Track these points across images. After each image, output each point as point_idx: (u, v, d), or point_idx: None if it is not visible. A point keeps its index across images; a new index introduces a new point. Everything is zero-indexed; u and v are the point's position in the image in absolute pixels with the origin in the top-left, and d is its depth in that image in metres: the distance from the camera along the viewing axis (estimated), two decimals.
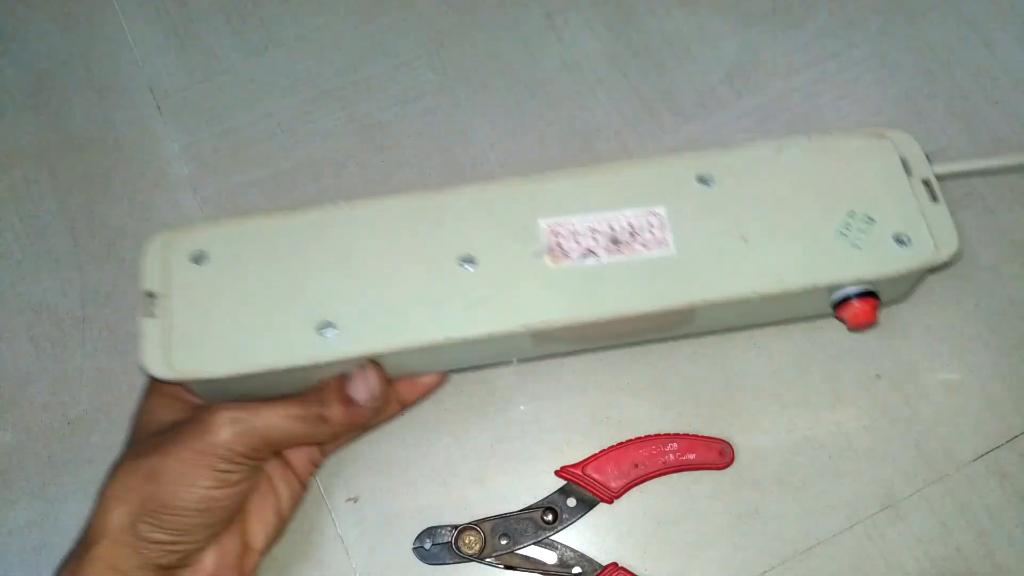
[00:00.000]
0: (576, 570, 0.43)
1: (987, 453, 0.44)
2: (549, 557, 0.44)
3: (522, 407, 0.46)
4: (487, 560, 0.44)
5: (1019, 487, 0.44)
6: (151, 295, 0.41)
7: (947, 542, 0.43)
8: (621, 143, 0.49)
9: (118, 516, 0.36)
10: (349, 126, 0.51)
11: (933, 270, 0.43)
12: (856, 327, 0.42)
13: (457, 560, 0.44)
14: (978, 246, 0.47)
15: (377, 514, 0.45)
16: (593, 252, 0.41)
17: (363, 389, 0.40)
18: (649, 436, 0.45)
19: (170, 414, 0.40)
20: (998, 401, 0.45)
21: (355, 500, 0.45)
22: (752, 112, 0.49)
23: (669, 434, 0.45)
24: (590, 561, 0.44)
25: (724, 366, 0.46)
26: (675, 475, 0.45)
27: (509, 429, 0.46)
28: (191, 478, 0.37)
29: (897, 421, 0.45)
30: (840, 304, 0.41)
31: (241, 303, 0.41)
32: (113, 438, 0.47)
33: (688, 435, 0.45)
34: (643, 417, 0.46)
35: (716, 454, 0.44)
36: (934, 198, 0.42)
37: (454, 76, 0.51)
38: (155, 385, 0.41)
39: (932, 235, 0.41)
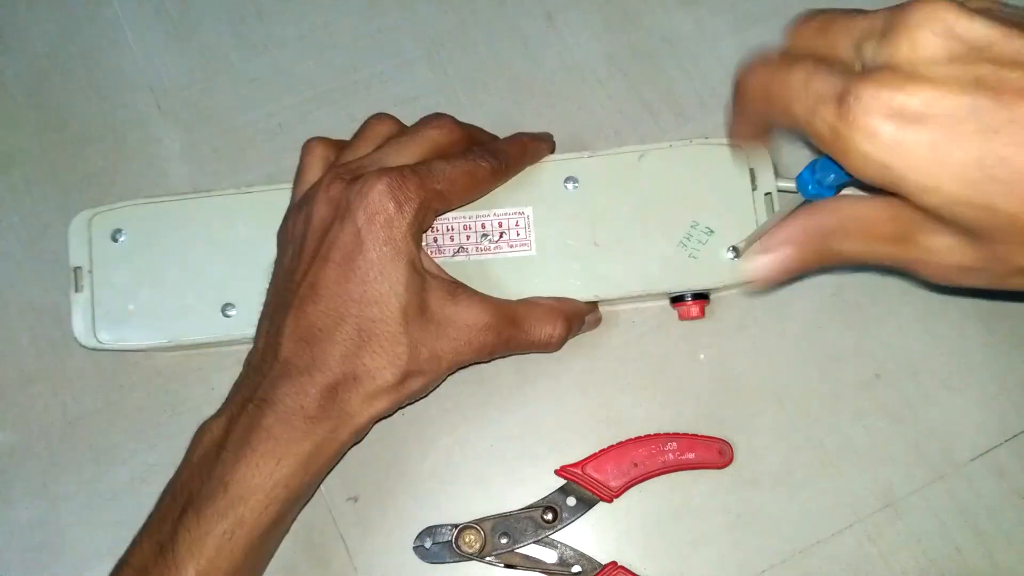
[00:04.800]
0: (576, 569, 0.44)
1: (986, 453, 0.44)
2: (549, 556, 0.44)
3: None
4: (487, 559, 0.44)
5: (1018, 486, 0.44)
6: (78, 269, 0.46)
7: (947, 541, 0.43)
8: (621, 143, 0.49)
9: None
10: (349, 126, 0.50)
11: None
12: (685, 319, 0.46)
13: (457, 559, 0.44)
14: None
15: (377, 514, 0.45)
16: (464, 249, 0.44)
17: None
18: (648, 435, 0.45)
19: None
20: (997, 401, 0.45)
21: (355, 500, 0.45)
22: None
23: (668, 433, 0.45)
24: (590, 560, 0.44)
25: (724, 366, 0.46)
26: (674, 474, 0.45)
27: (509, 429, 0.46)
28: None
29: (897, 421, 0.45)
30: (675, 300, 0.45)
31: (153, 280, 0.46)
32: (113, 438, 0.47)
33: (687, 435, 0.45)
34: (643, 417, 0.46)
35: (715, 454, 0.44)
36: (772, 211, 0.44)
37: (454, 76, 0.51)
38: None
39: None
